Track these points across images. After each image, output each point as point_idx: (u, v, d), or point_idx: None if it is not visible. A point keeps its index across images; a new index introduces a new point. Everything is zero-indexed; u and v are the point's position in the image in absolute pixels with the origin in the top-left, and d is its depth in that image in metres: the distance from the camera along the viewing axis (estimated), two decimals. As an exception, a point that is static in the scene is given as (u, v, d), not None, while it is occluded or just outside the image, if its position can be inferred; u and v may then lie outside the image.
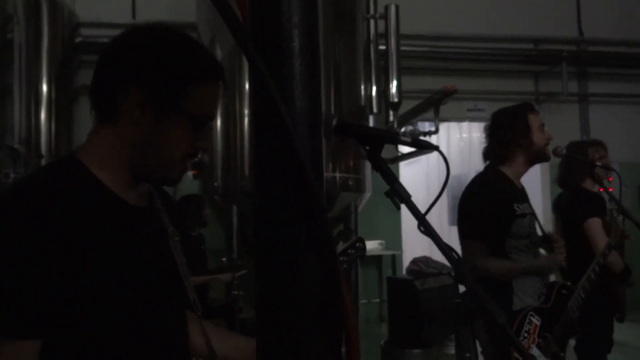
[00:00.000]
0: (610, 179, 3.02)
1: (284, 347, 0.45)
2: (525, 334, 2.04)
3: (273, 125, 0.40)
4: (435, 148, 0.95)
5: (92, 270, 0.88)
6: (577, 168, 3.01)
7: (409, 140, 0.91)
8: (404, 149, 5.01)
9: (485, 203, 2.24)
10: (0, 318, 0.82)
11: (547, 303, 2.18)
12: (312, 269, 0.44)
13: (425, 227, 0.90)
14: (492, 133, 2.37)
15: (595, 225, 2.87)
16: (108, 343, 0.91)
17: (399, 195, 0.89)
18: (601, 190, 3.04)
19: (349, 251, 1.43)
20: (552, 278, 2.47)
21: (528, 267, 2.18)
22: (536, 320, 2.08)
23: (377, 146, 0.92)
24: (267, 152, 0.42)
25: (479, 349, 2.19)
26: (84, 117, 5.06)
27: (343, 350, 0.48)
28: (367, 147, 0.93)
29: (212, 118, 1.00)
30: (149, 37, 0.98)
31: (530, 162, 2.35)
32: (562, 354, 2.12)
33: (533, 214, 2.33)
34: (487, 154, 2.39)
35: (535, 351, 2.05)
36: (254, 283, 0.50)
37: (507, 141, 2.31)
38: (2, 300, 0.82)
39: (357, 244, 1.45)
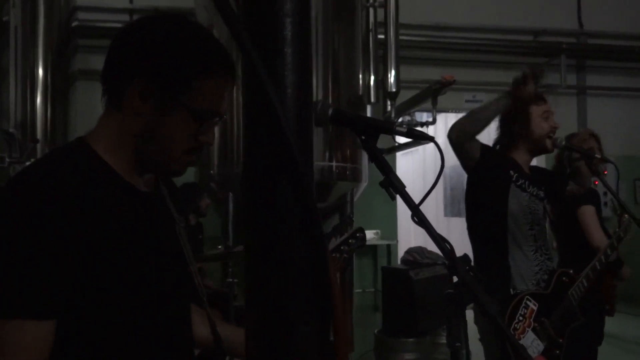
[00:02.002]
0: (605, 172, 3.01)
1: (273, 335, 0.45)
2: (521, 317, 2.07)
3: (264, 113, 0.41)
4: (431, 139, 0.95)
5: (103, 254, 0.88)
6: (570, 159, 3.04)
7: (404, 130, 0.91)
8: (401, 139, 5.01)
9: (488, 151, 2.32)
10: (16, 299, 0.83)
11: (546, 289, 2.20)
12: (301, 258, 0.44)
13: (419, 218, 0.90)
14: (500, 123, 2.42)
15: (588, 212, 2.89)
16: (118, 327, 0.92)
17: (393, 185, 0.89)
18: (597, 183, 3.05)
19: (350, 241, 1.44)
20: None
21: (489, 106, 2.25)
22: (533, 305, 2.10)
23: (373, 136, 0.92)
24: (257, 139, 0.43)
25: (478, 336, 2.22)
26: (80, 102, 5.04)
27: (332, 338, 0.48)
28: (363, 137, 0.93)
29: (218, 113, 0.98)
30: (159, 27, 0.97)
31: (532, 152, 2.39)
32: (561, 340, 2.14)
33: (540, 199, 2.34)
34: (495, 144, 2.44)
35: (530, 335, 2.07)
36: (244, 272, 0.50)
37: (508, 131, 2.37)
38: (17, 282, 0.83)
39: (358, 234, 1.47)
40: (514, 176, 2.28)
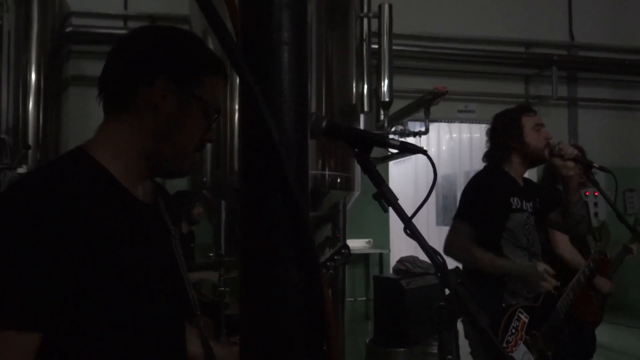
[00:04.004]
0: (587, 183, 3.01)
1: (267, 353, 0.45)
2: (513, 330, 2.08)
3: (262, 142, 0.41)
4: (424, 152, 0.96)
5: (99, 265, 0.87)
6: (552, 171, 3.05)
7: (397, 144, 0.92)
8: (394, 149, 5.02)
9: (481, 190, 2.30)
10: (6, 309, 0.82)
11: (536, 302, 2.21)
12: (295, 277, 0.45)
13: (411, 230, 0.91)
14: (490, 137, 2.42)
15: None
16: (111, 339, 0.91)
17: (386, 198, 0.90)
18: (587, 193, 3.07)
19: (335, 257, 1.47)
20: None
21: (508, 265, 2.18)
22: (524, 318, 2.11)
23: (366, 149, 0.92)
24: (254, 166, 0.43)
25: (469, 350, 2.22)
26: (73, 108, 5.01)
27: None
28: (356, 150, 0.94)
29: (219, 110, 1.05)
30: (161, 32, 1.04)
31: (528, 164, 2.39)
32: (549, 352, 2.15)
33: (533, 214, 2.35)
34: (486, 157, 2.44)
35: (522, 348, 2.08)
36: (239, 283, 0.50)
37: (502, 144, 2.36)
38: (9, 292, 0.82)
39: (343, 250, 1.49)
40: (514, 203, 2.28)
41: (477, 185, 2.34)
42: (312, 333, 0.46)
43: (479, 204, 2.23)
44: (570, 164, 2.23)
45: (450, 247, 2.21)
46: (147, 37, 1.03)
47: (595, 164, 2.60)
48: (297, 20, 0.42)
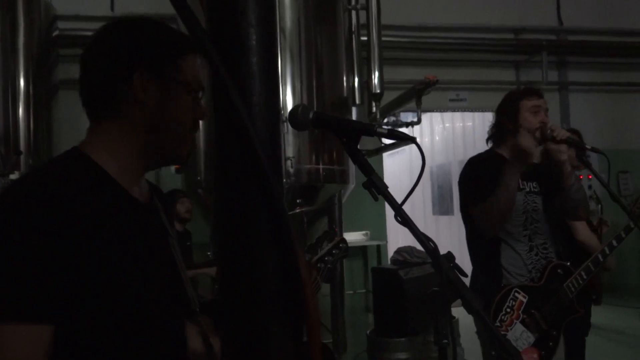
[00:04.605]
0: (582, 167, 3.03)
1: (248, 338, 0.46)
2: (508, 309, 2.08)
3: (232, 122, 0.41)
4: (412, 140, 0.96)
5: (99, 263, 0.88)
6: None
7: (385, 132, 0.92)
8: (386, 140, 5.04)
9: (479, 171, 2.29)
10: (11, 302, 0.83)
11: (538, 282, 2.21)
12: (272, 263, 0.45)
13: (402, 217, 0.91)
14: (493, 117, 2.44)
15: None
16: (112, 337, 0.92)
17: (375, 186, 0.90)
18: (581, 177, 3.09)
19: (333, 251, 1.48)
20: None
21: (506, 177, 2.11)
22: (522, 297, 2.11)
23: (354, 138, 0.93)
24: (227, 149, 0.43)
25: (475, 329, 2.22)
26: (63, 112, 4.99)
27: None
28: (344, 139, 0.94)
29: (202, 87, 1.06)
30: (127, 27, 1.03)
31: None
32: (555, 332, 2.15)
33: (537, 193, 2.34)
34: (487, 138, 2.46)
35: (519, 327, 2.08)
36: (218, 277, 0.51)
37: (498, 125, 2.37)
38: (13, 285, 0.83)
39: (341, 245, 1.50)
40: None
41: (474, 169, 2.34)
42: (292, 322, 0.46)
43: (486, 186, 2.22)
44: (564, 147, 2.23)
45: (482, 224, 2.18)
46: (113, 36, 1.02)
47: (587, 146, 2.60)
48: (264, 1, 0.42)
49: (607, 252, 2.48)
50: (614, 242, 2.54)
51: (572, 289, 2.25)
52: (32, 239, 0.83)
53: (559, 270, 2.25)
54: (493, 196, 2.12)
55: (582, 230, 2.93)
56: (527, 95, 2.35)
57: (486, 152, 2.43)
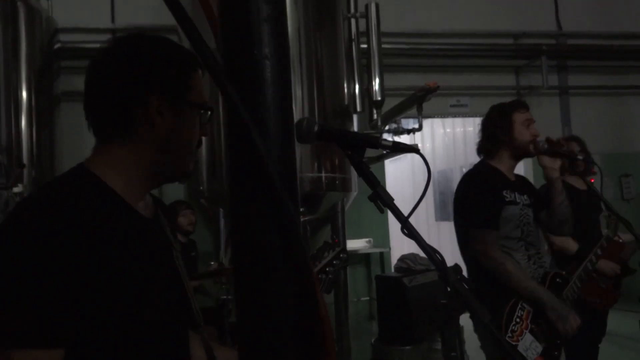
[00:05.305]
0: (594, 171, 3.06)
1: (263, 353, 0.46)
2: (518, 319, 2.09)
3: (249, 156, 0.41)
4: (417, 151, 0.96)
5: (106, 280, 0.88)
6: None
7: (390, 144, 0.92)
8: (389, 147, 5.02)
9: (481, 189, 2.29)
10: (22, 327, 0.82)
11: None
12: (287, 281, 0.45)
13: (408, 230, 0.91)
14: (482, 127, 2.45)
15: None
16: (119, 353, 0.92)
17: (381, 199, 0.90)
18: (592, 180, 3.09)
19: (334, 262, 1.48)
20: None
21: (539, 291, 2.14)
22: (528, 307, 2.12)
23: (359, 151, 0.93)
24: (243, 178, 0.43)
25: (479, 344, 2.22)
26: (65, 124, 5.00)
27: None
28: (349, 152, 0.94)
29: (211, 107, 1.06)
30: (136, 46, 1.01)
31: (515, 158, 2.41)
32: (558, 341, 2.15)
33: (529, 206, 2.36)
34: (478, 150, 2.46)
35: (528, 337, 2.08)
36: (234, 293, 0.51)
37: (491, 137, 2.39)
38: (25, 310, 0.82)
39: (341, 255, 1.50)
40: (507, 195, 2.30)
41: (474, 187, 2.34)
42: (306, 332, 0.46)
43: (487, 205, 2.24)
44: (557, 164, 2.27)
45: (486, 258, 2.17)
46: (127, 56, 1.00)
47: (579, 156, 2.65)
48: (278, 33, 0.42)
49: (595, 260, 2.50)
50: (599, 251, 2.55)
51: (570, 297, 2.28)
52: (44, 262, 0.83)
53: (557, 280, 2.28)
54: (508, 269, 2.14)
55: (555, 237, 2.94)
56: (518, 108, 2.39)
57: (481, 165, 2.43)
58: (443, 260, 0.89)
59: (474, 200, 2.30)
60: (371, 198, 0.92)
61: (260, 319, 0.47)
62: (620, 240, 3.02)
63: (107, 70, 0.99)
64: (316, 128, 0.97)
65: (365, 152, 0.95)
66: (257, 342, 0.47)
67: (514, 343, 2.01)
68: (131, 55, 1.00)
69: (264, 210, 0.42)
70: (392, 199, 0.91)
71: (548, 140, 2.30)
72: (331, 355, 0.49)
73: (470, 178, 2.40)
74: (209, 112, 1.05)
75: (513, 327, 2.07)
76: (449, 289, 0.96)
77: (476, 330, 2.19)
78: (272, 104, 0.42)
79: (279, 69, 0.42)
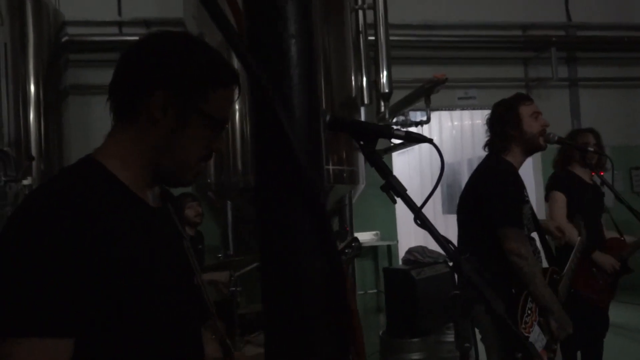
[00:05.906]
0: (606, 167, 3.06)
1: (292, 348, 0.45)
2: (529, 311, 2.09)
3: (275, 135, 0.41)
4: (429, 141, 0.95)
5: (118, 270, 0.88)
6: (565, 153, 3.10)
7: (403, 134, 0.91)
8: (396, 139, 5.01)
9: (509, 187, 2.26)
10: (32, 316, 0.82)
11: None
12: (317, 270, 0.44)
13: (421, 220, 0.90)
14: (490, 126, 2.41)
15: (554, 197, 2.98)
16: (131, 344, 0.91)
17: (394, 189, 0.89)
18: (593, 173, 3.07)
19: (346, 251, 1.47)
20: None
21: (551, 303, 2.14)
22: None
23: (371, 141, 0.92)
24: (269, 164, 0.43)
25: (478, 337, 2.22)
26: (73, 117, 5.02)
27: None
28: (362, 142, 0.93)
29: (227, 121, 1.03)
30: (170, 42, 1.01)
31: (526, 152, 2.37)
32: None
33: (529, 201, 2.38)
34: (488, 147, 2.42)
35: (537, 329, 2.09)
36: (257, 278, 0.50)
37: (501, 133, 2.34)
38: (33, 299, 0.82)
39: (353, 244, 1.49)
40: (525, 195, 2.29)
41: (502, 184, 2.27)
42: (336, 323, 0.45)
43: (517, 204, 2.23)
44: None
45: (520, 257, 2.13)
46: (154, 46, 1.00)
47: (590, 148, 2.64)
48: (304, 13, 0.41)
49: (578, 255, 2.50)
50: (578, 254, 2.53)
51: (563, 293, 2.30)
52: (54, 251, 0.83)
53: (555, 276, 2.29)
54: (534, 271, 2.13)
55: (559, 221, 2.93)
56: (523, 101, 2.36)
57: (501, 162, 2.34)
58: (457, 250, 0.89)
59: (503, 198, 2.23)
60: (384, 188, 0.91)
61: (289, 306, 0.46)
62: (622, 238, 3.02)
63: (126, 56, 1.00)
64: (327, 118, 0.96)
65: (377, 142, 0.94)
66: (286, 330, 0.46)
67: (526, 334, 2.01)
68: (154, 47, 1.00)
69: (291, 193, 0.41)
70: (405, 189, 0.90)
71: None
72: (360, 355, 0.48)
73: (495, 174, 2.32)
74: (220, 129, 1.02)
75: (526, 319, 2.07)
76: (457, 281, 0.95)
77: (476, 323, 2.18)
78: (298, 84, 0.41)
79: (305, 48, 0.41)
